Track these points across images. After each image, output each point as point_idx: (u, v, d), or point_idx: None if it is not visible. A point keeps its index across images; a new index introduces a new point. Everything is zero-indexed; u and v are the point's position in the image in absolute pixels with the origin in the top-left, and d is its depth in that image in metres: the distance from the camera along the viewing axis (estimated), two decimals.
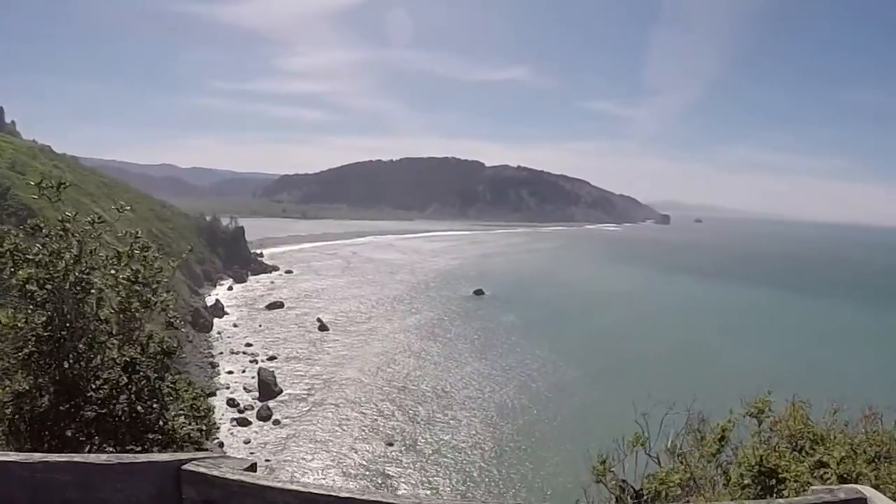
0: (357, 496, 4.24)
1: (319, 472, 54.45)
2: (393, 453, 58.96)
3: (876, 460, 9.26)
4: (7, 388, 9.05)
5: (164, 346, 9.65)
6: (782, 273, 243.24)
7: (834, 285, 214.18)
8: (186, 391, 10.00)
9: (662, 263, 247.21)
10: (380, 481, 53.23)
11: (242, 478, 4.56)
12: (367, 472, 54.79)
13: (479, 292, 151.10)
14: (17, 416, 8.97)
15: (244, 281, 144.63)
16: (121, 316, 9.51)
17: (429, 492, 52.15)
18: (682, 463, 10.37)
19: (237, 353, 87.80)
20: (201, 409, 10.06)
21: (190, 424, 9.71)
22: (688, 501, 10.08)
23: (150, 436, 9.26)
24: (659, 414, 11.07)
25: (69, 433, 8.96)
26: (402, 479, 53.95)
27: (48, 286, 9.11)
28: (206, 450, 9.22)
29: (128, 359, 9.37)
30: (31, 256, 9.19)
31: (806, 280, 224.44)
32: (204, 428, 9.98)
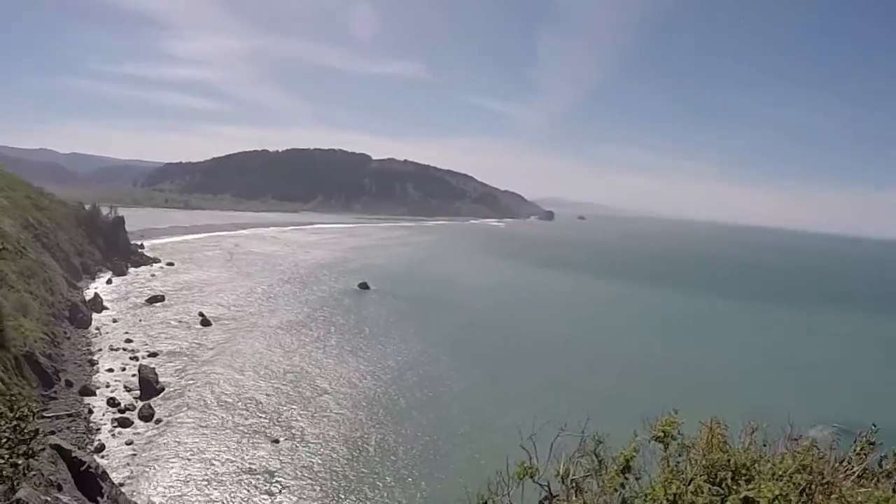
0: None
1: (205, 472, 52.92)
2: (279, 450, 58.08)
3: (808, 492, 8.23)
4: None
5: None
6: (661, 269, 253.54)
7: (708, 280, 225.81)
8: (10, 410, 8.78)
9: (544, 258, 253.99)
10: (265, 480, 52.43)
11: None
12: (253, 471, 53.80)
13: (363, 286, 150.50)
14: None
15: (124, 274, 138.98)
16: None
17: (316, 490, 51.96)
18: (577, 495, 9.46)
19: (117, 349, 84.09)
20: (26, 431, 8.70)
21: (3, 458, 8.49)
22: None
23: None
24: (548, 436, 10.19)
25: None
26: (288, 477, 53.31)
27: None
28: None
29: None
30: None
31: (681, 275, 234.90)
32: (20, 462, 8.55)
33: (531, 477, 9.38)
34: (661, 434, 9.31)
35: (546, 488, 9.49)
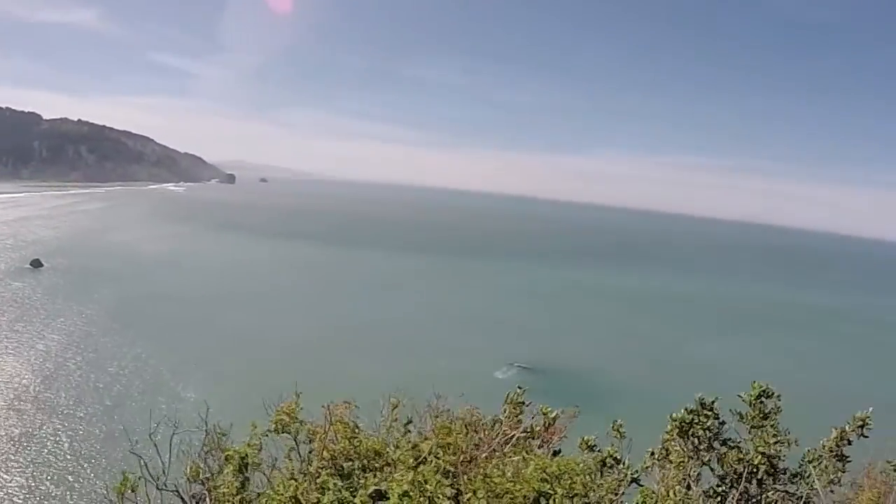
0: None
1: None
2: None
3: (453, 473, 7.04)
4: None
5: None
6: (335, 229, 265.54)
7: (385, 239, 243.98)
8: None
9: (220, 223, 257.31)
10: None
11: None
12: None
13: (36, 263, 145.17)
14: None
15: None
16: None
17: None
18: (209, 496, 8.20)
19: None
20: None
21: None
22: None
23: None
24: (169, 431, 9.21)
25: None
26: None
27: None
28: None
29: None
30: None
31: (355, 235, 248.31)
32: None
33: (133, 490, 8.11)
34: (280, 425, 8.28)
35: (176, 492, 8.33)
